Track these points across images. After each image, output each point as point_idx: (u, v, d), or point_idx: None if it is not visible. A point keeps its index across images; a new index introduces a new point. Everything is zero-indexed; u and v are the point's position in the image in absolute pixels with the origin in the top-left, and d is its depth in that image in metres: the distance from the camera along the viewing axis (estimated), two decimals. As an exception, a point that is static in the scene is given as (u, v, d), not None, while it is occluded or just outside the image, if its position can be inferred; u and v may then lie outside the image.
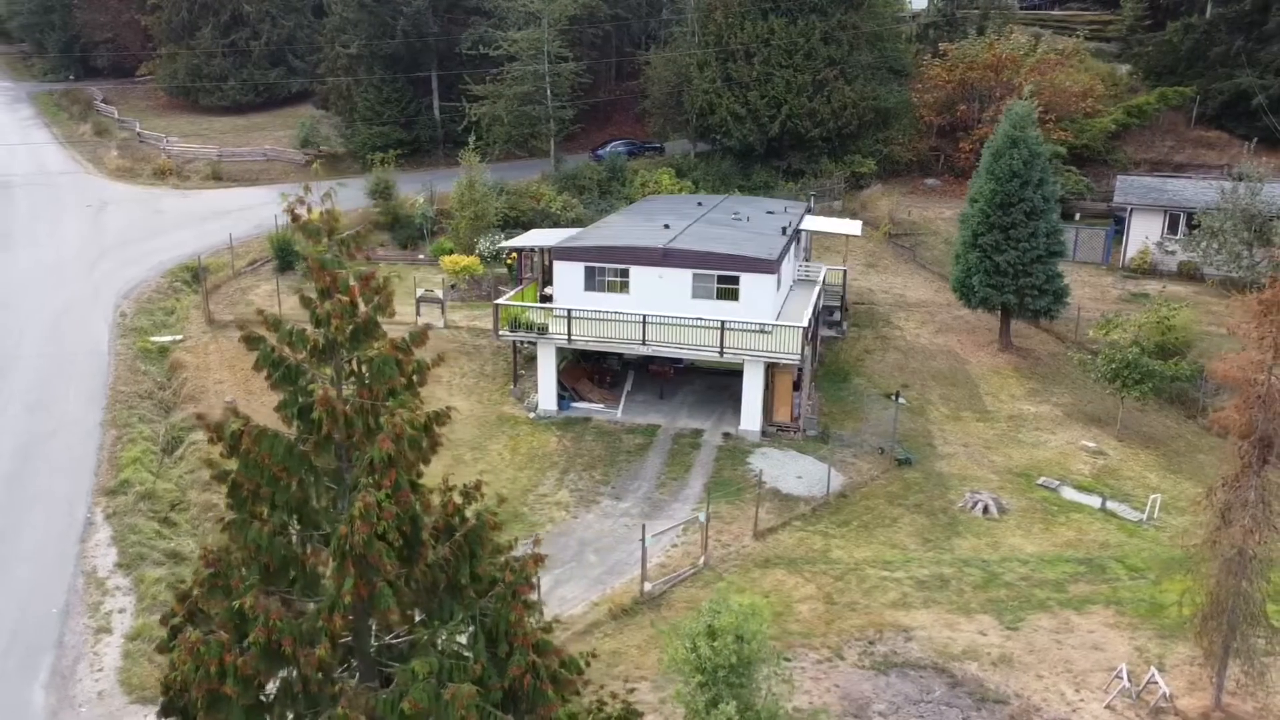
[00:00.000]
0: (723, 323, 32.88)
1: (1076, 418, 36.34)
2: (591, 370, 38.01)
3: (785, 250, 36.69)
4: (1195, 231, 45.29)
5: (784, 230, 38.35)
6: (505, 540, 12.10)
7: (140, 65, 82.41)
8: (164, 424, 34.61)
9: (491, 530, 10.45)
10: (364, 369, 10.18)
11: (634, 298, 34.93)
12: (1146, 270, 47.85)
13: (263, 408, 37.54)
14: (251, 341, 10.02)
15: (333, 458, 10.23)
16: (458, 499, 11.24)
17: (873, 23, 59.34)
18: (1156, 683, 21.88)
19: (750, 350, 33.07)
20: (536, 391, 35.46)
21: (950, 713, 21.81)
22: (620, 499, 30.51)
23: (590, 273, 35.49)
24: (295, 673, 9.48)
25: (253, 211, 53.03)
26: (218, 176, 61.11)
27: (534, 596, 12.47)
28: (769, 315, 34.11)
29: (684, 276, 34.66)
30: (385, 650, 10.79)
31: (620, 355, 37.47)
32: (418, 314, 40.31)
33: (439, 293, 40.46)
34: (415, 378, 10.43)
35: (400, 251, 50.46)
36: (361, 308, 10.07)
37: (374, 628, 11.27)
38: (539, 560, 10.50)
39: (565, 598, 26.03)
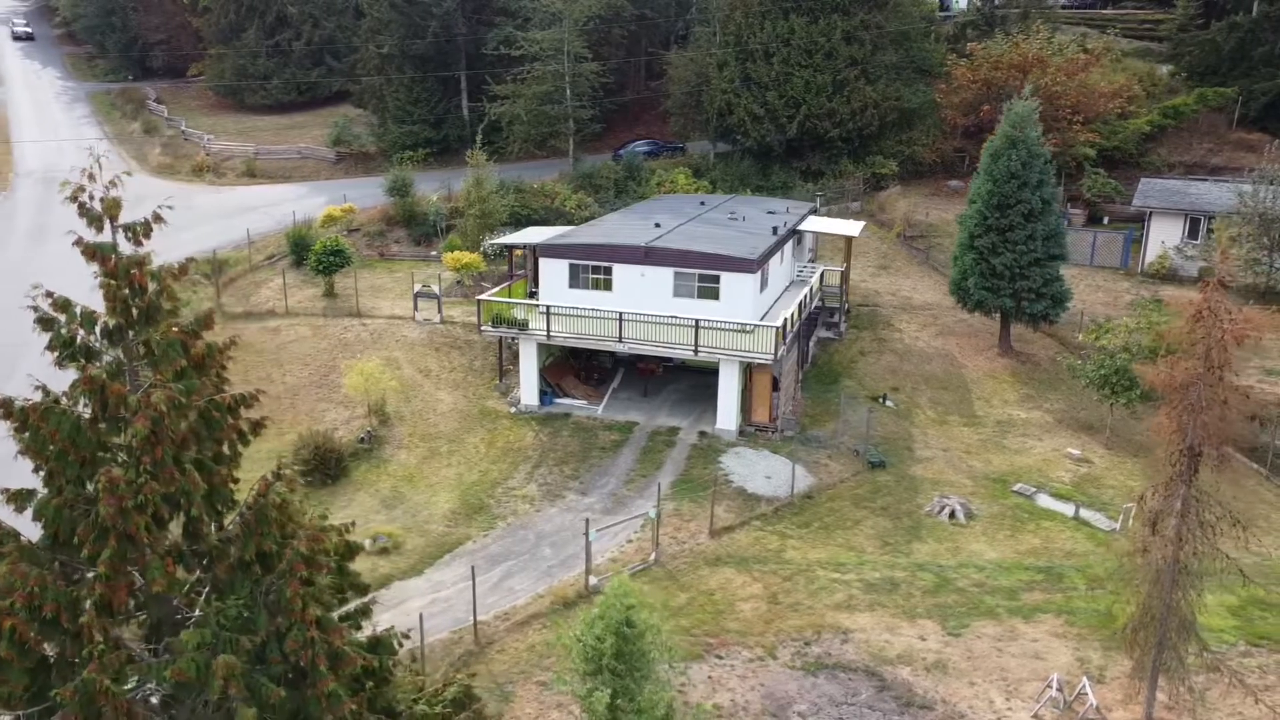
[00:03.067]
0: (697, 321, 32.91)
1: (1067, 424, 35.57)
2: (579, 367, 38.31)
3: (772, 251, 36.54)
4: (1213, 236, 43.88)
5: (775, 230, 38.20)
6: (329, 525, 12.49)
7: (191, 66, 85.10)
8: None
9: (276, 511, 10.79)
10: (155, 350, 10.62)
11: (617, 295, 35.11)
12: (1165, 275, 46.46)
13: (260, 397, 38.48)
14: (45, 324, 10.54)
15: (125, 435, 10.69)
16: (270, 479, 11.64)
17: (897, 22, 58.60)
18: (1086, 694, 21.42)
19: (725, 349, 33.05)
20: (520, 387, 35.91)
21: (872, 716, 21.62)
22: (586, 494, 30.77)
23: (574, 270, 35.79)
24: (68, 639, 9.97)
25: (279, 207, 54.46)
26: (252, 173, 62.85)
27: (362, 580, 12.79)
28: (750, 315, 34.02)
29: (665, 275, 34.76)
30: (182, 623, 11.22)
31: (613, 353, 37.68)
32: (415, 309, 41.10)
33: (435, 288, 41.15)
34: (207, 360, 10.84)
35: (414, 248, 51.45)
36: (150, 291, 10.53)
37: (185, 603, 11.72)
38: (317, 540, 10.81)
39: (513, 589, 26.43)
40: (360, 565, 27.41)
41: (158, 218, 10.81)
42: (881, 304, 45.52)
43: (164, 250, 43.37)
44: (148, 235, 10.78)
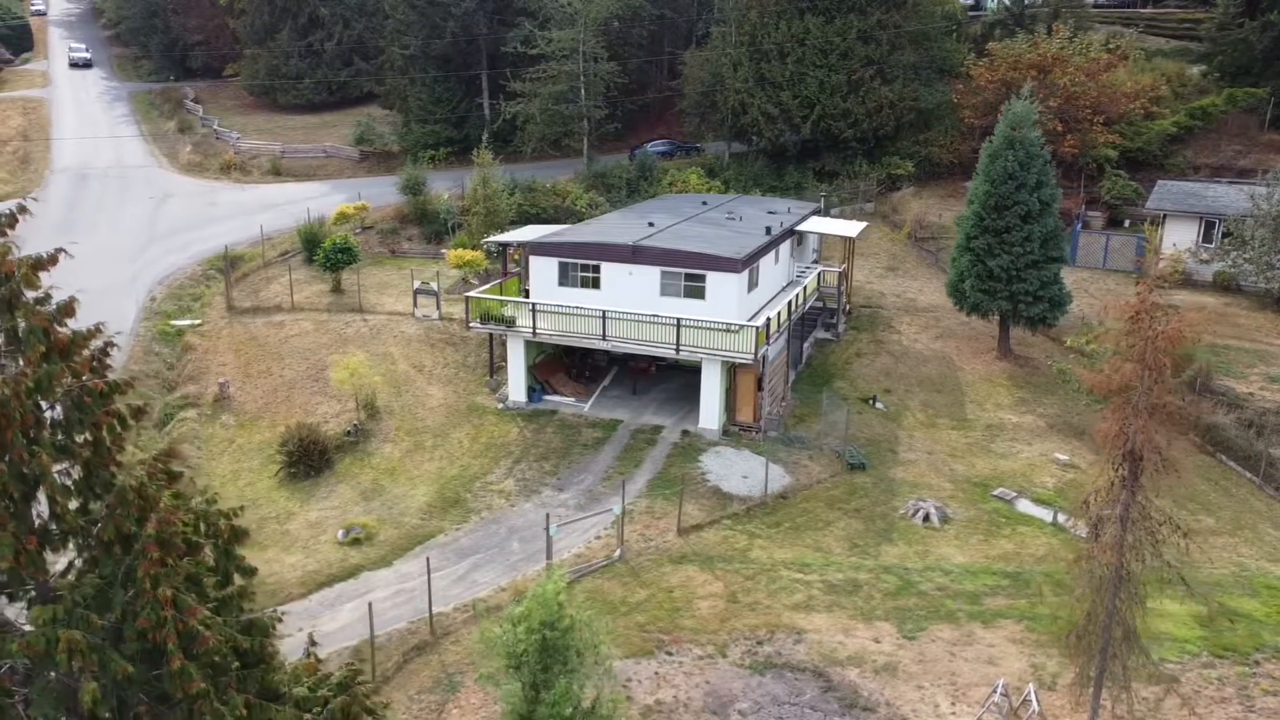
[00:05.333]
0: (678, 320, 32.99)
1: (1059, 429, 35.03)
2: (573, 365, 38.56)
3: (763, 251, 36.46)
4: (1226, 240, 42.89)
5: (768, 231, 38.11)
6: (215, 510, 12.87)
7: (228, 66, 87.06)
8: (160, 401, 36.88)
9: (135, 494, 11.19)
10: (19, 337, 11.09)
11: (605, 294, 35.30)
12: (1179, 280, 45.45)
13: (257, 389, 39.25)
14: (-84, 310, 11.05)
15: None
16: (144, 466, 12.04)
17: (916, 21, 58.04)
18: (1031, 700, 21.17)
19: (706, 348, 33.09)
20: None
21: (813, 716, 21.58)
22: (562, 490, 31.01)
23: (564, 268, 36.04)
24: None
25: (298, 205, 55.42)
26: (277, 172, 64.13)
27: (248, 561, 13.14)
28: (736, 315, 33.97)
29: (652, 274, 34.86)
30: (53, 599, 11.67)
31: (607, 351, 37.80)
32: (414, 306, 41.70)
33: (434, 285, 41.70)
34: (71, 347, 11.26)
35: (425, 246, 52.17)
36: (13, 280, 10.98)
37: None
38: (167, 521, 11.17)
39: (477, 581, 26.78)
40: (331, 556, 28.09)
41: (23, 209, 11.20)
42: (885, 305, 45.16)
43: (183, 246, 44.49)
44: (12, 226, 11.20)
